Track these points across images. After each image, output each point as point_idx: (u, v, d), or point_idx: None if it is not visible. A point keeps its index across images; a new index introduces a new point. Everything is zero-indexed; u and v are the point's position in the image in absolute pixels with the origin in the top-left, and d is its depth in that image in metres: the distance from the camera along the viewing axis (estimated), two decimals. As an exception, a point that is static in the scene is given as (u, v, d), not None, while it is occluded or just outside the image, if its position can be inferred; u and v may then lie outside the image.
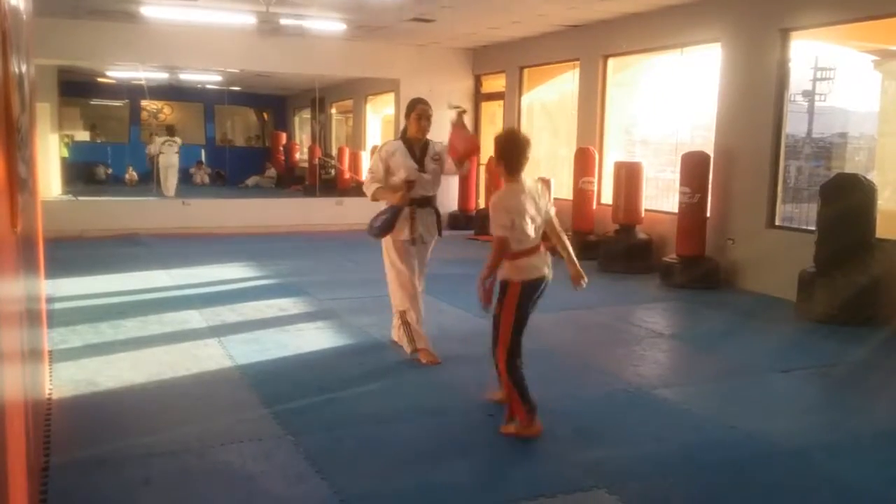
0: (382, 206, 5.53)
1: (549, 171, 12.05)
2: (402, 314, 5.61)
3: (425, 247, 5.66)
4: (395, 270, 5.58)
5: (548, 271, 4.31)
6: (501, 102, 13.36)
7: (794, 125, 8.79)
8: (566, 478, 3.70)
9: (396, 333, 5.78)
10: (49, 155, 14.62)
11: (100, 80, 17.64)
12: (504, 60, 13.04)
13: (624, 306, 7.65)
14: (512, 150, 4.28)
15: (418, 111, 5.52)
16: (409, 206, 5.42)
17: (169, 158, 15.34)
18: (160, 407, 4.54)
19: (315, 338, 6.13)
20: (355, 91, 17.14)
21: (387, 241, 5.56)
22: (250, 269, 9.21)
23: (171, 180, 15.26)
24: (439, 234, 5.71)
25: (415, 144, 5.56)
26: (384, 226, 5.42)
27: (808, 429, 4.50)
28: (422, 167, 5.51)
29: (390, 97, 14.84)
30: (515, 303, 4.17)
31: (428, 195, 5.57)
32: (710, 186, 8.65)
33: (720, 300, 7.94)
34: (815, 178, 8.92)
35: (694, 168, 8.56)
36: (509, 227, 4.15)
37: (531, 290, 4.23)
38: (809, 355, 6.09)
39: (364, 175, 5.75)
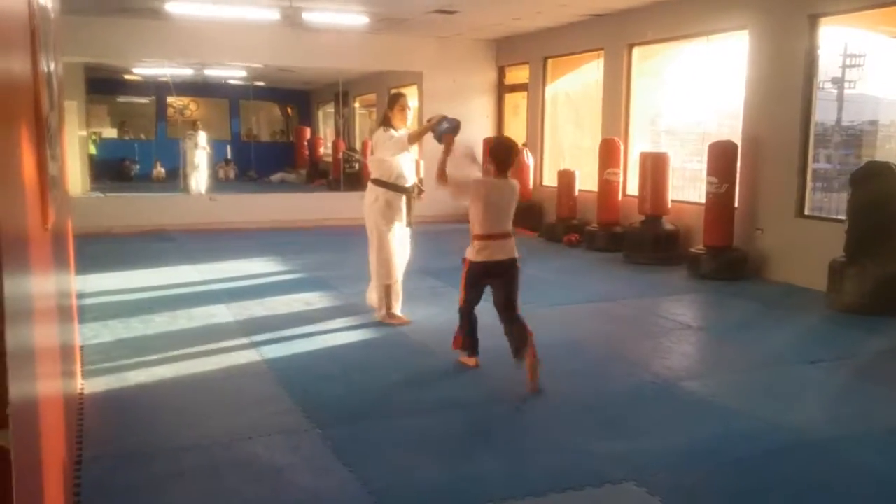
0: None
1: (573, 163, 11.98)
2: (387, 287, 6.30)
3: (410, 228, 6.34)
4: (385, 250, 6.20)
5: (504, 257, 5.00)
6: (525, 94, 13.29)
7: (823, 113, 8.63)
8: (594, 470, 3.69)
9: (372, 297, 6.42)
10: (77, 152, 14.82)
11: (126, 77, 17.84)
12: (527, 51, 12.97)
13: (650, 298, 7.59)
14: (501, 152, 5.05)
15: (402, 103, 6.20)
16: (405, 193, 6.13)
17: (191, 154, 15.33)
18: (189, 401, 4.60)
19: (341, 331, 6.16)
20: (378, 84, 17.15)
21: (378, 223, 6.16)
22: (276, 264, 9.27)
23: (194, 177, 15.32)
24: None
25: (405, 133, 6.16)
26: (454, 125, 5.64)
27: (838, 420, 4.44)
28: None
29: (414, 90, 14.83)
30: (465, 278, 5.06)
31: (414, 183, 6.27)
32: (737, 176, 8.55)
33: (748, 291, 7.85)
34: (845, 167, 8.76)
35: (721, 158, 8.46)
36: (466, 198, 5.04)
37: (480, 268, 4.99)
38: (839, 346, 6.01)
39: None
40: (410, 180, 6.20)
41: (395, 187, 6.10)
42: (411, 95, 15.62)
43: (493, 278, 5.05)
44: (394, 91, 6.44)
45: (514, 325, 4.99)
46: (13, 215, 1.46)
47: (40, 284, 2.04)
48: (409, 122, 6.24)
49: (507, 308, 5.04)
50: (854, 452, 3.98)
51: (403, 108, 6.16)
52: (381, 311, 6.36)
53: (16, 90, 1.64)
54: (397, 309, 6.40)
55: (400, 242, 6.28)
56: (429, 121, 5.86)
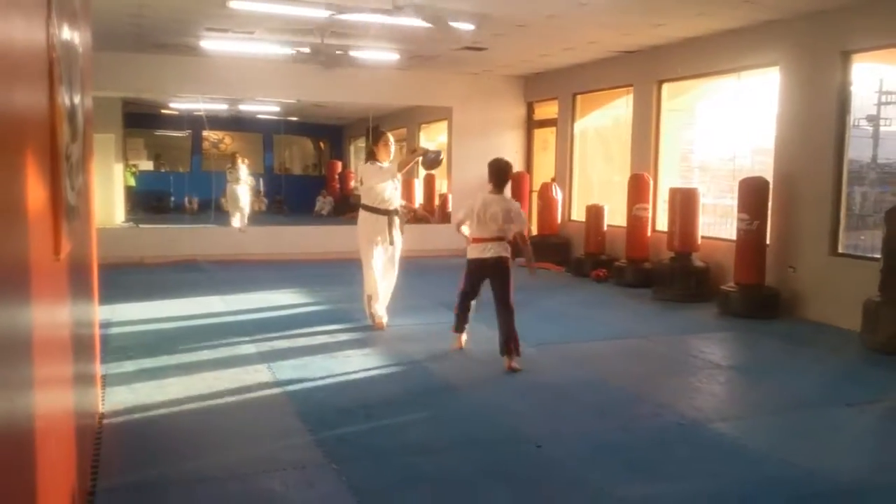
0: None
1: (602, 198, 11.91)
2: (369, 297, 7.25)
3: (396, 245, 7.20)
4: (369, 266, 7.15)
5: (486, 256, 6.03)
6: (554, 129, 13.30)
7: (858, 150, 8.49)
8: (615, 514, 3.58)
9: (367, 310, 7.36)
10: (113, 183, 15.07)
11: (163, 111, 18.22)
12: (556, 87, 13.00)
13: (679, 336, 7.45)
14: (496, 173, 6.09)
15: (384, 139, 7.18)
16: (387, 216, 7.07)
17: (232, 188, 14.88)
18: (208, 432, 4.58)
19: (362, 364, 6.12)
20: (409, 119, 17.32)
21: (364, 243, 7.14)
22: (302, 296, 9.29)
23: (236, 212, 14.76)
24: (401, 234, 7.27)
25: (387, 164, 7.14)
26: (436, 156, 7.13)
27: (874, 467, 4.28)
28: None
29: (443, 125, 14.93)
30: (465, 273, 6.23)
31: (396, 207, 7.15)
32: (769, 213, 8.42)
33: (780, 330, 7.67)
34: (881, 205, 8.59)
35: (752, 194, 8.35)
36: (468, 215, 6.05)
37: (474, 265, 6.12)
38: (875, 388, 5.81)
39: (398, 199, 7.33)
40: (394, 204, 7.12)
41: (379, 211, 7.07)
42: (441, 131, 15.82)
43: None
44: (379, 130, 7.51)
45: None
46: (12, 245, 1.45)
47: (47, 313, 2.03)
48: (391, 156, 7.21)
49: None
50: (891, 502, 3.81)
51: (387, 144, 7.16)
52: (369, 317, 7.31)
53: (24, 121, 1.65)
54: (383, 316, 7.28)
55: (390, 259, 7.20)
56: (412, 151, 6.89)
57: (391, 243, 7.15)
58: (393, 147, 7.24)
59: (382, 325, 7.25)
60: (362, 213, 7.18)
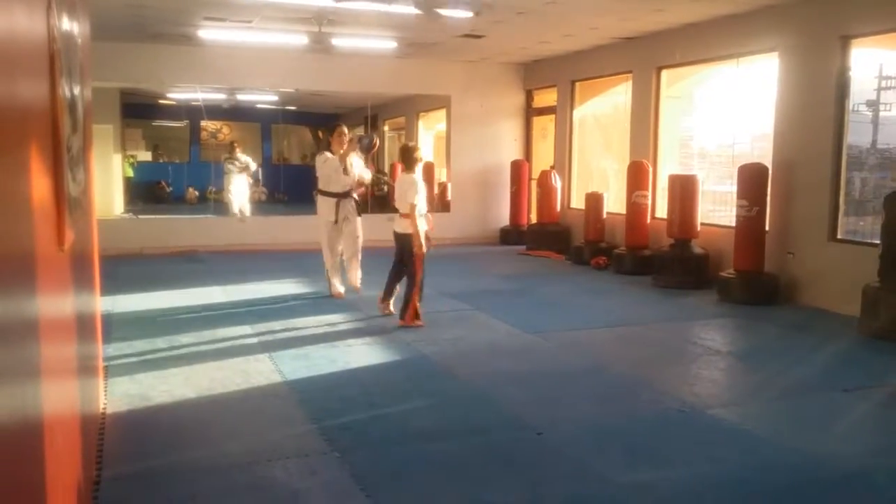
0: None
1: (601, 185, 11.92)
2: (327, 270, 8.36)
3: (350, 224, 8.24)
4: (323, 242, 8.32)
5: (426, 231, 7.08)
6: (553, 117, 13.29)
7: (858, 136, 8.48)
8: (615, 499, 3.61)
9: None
10: (112, 175, 15.05)
11: (161, 101, 18.17)
12: (555, 74, 12.97)
13: (679, 322, 7.48)
14: (406, 156, 7.19)
15: (338, 132, 8.28)
16: (335, 198, 8.14)
17: (230, 179, 14.72)
18: (210, 422, 4.60)
19: (364, 353, 6.14)
20: (407, 108, 17.29)
21: (319, 222, 8.31)
22: (303, 285, 9.30)
23: (235, 202, 14.62)
24: (359, 214, 8.31)
25: (337, 155, 8.16)
26: (370, 141, 8.38)
27: (873, 451, 4.31)
28: (345, 171, 8.12)
29: (442, 113, 14.91)
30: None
31: (347, 190, 8.20)
32: (768, 199, 8.43)
33: (779, 316, 7.70)
34: (880, 190, 8.59)
35: (751, 180, 8.35)
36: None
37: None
38: (874, 373, 5.84)
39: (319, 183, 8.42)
40: (344, 188, 8.15)
41: (329, 194, 8.16)
42: (439, 120, 15.79)
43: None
44: (335, 123, 8.61)
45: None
46: (18, 236, 1.47)
47: (52, 304, 2.04)
48: (344, 146, 8.14)
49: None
50: (890, 484, 3.84)
51: (340, 135, 8.21)
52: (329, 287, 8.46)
53: (27, 114, 1.66)
54: (341, 287, 8.41)
55: (348, 235, 8.24)
56: (350, 141, 8.13)
57: (335, 221, 8.17)
58: (346, 138, 8.22)
59: (341, 294, 8.29)
60: (318, 197, 8.31)
